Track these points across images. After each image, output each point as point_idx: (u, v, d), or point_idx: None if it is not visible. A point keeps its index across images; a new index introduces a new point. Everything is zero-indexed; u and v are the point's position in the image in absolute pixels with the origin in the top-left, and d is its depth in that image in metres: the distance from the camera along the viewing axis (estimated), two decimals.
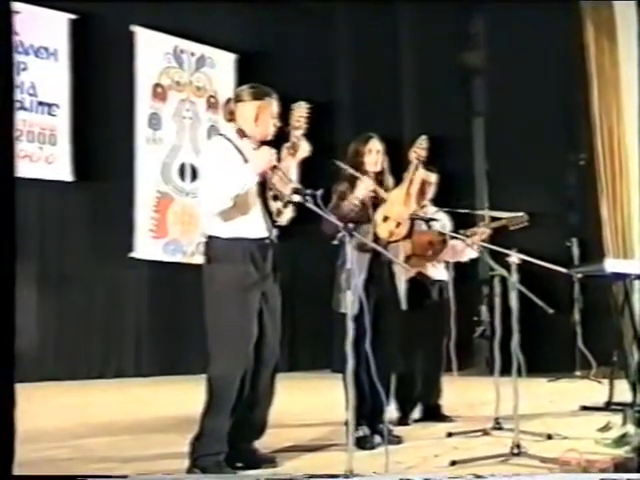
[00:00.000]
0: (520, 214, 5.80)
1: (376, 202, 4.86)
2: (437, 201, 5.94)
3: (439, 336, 5.89)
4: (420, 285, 5.66)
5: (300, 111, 4.10)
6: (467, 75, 11.15)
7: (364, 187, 4.76)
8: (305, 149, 4.13)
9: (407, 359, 5.62)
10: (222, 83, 10.52)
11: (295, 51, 10.60)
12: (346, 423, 3.96)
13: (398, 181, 4.99)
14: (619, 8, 9.34)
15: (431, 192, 5.84)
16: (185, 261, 9.98)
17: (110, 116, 9.54)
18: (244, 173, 3.96)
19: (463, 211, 6.02)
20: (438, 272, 5.87)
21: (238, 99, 4.17)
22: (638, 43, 8.83)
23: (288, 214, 4.17)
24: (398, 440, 4.78)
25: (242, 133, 4.12)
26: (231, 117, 4.18)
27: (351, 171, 4.82)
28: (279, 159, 4.08)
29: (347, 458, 3.59)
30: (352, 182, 4.84)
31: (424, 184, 5.56)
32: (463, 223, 5.97)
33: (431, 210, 5.84)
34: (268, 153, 4.00)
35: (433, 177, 5.82)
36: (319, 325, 9.27)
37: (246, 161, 4.04)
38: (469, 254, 5.84)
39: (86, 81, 9.34)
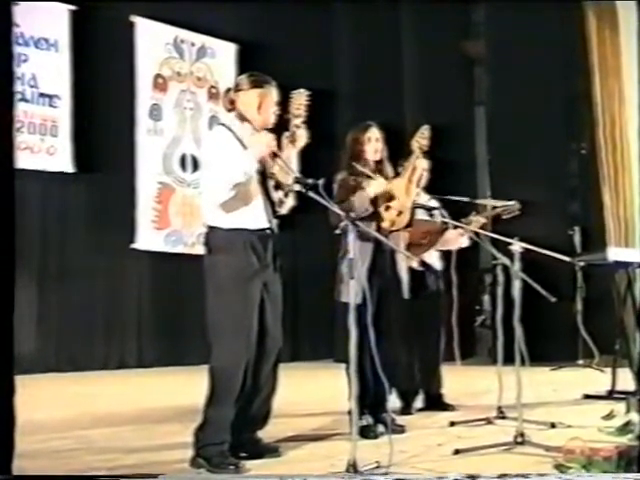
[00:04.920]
0: (511, 202, 5.78)
1: (383, 195, 4.84)
2: (440, 190, 5.92)
3: (437, 325, 5.89)
4: (418, 274, 5.65)
5: (300, 99, 4.09)
6: (469, 64, 11.13)
7: (377, 187, 4.75)
8: (305, 138, 4.12)
9: (408, 348, 5.63)
10: (223, 73, 10.49)
11: (296, 41, 10.57)
12: (349, 412, 3.96)
13: (397, 169, 4.99)
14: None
15: (424, 179, 5.81)
16: (187, 252, 9.96)
17: (111, 107, 9.53)
18: (244, 160, 3.95)
19: (455, 199, 5.98)
20: (432, 261, 5.86)
21: (238, 88, 4.16)
22: (638, 37, 8.81)
23: (289, 203, 4.17)
24: (401, 429, 4.79)
25: (242, 117, 4.11)
26: (232, 106, 4.18)
27: (364, 171, 4.80)
28: (279, 148, 4.07)
29: (350, 447, 3.60)
30: (353, 172, 4.84)
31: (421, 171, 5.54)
32: (456, 211, 5.96)
33: (424, 198, 5.82)
34: (266, 137, 4.00)
35: (425, 163, 5.79)
36: (321, 315, 9.30)
37: (245, 149, 4.03)
38: (460, 243, 5.83)
39: (87, 72, 9.32)
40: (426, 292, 5.74)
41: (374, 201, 4.79)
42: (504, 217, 5.75)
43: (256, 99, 4.10)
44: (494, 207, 5.82)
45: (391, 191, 4.83)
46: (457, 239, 5.77)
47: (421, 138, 4.90)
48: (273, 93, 4.13)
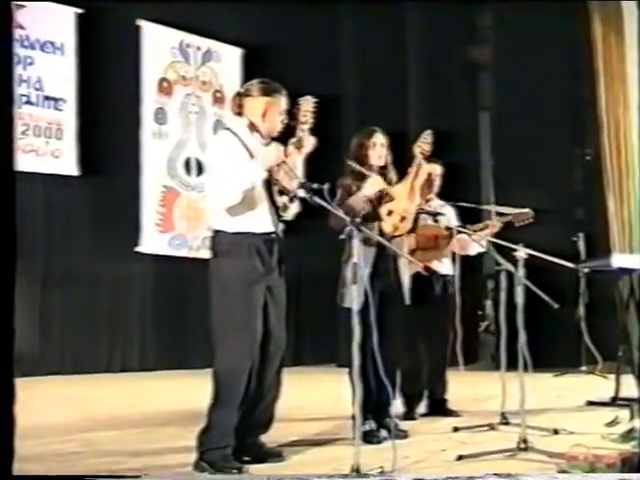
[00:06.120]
0: (526, 210, 5.78)
1: (381, 197, 4.85)
2: (442, 195, 5.93)
3: (444, 330, 5.90)
4: (425, 280, 5.65)
5: (307, 105, 4.09)
6: (474, 69, 11.13)
7: (373, 185, 4.76)
8: (311, 144, 4.12)
9: (412, 354, 5.63)
10: (228, 77, 10.50)
11: (301, 45, 10.58)
12: (353, 417, 3.96)
13: (404, 175, 4.99)
14: (626, 3, 9.32)
15: (437, 185, 5.82)
16: (191, 255, 9.98)
17: (116, 110, 9.54)
18: (252, 169, 3.96)
19: (469, 205, 6.00)
20: (444, 266, 5.86)
21: (247, 93, 4.17)
22: (638, 41, 8.82)
23: (294, 209, 4.18)
24: (404, 434, 4.79)
25: (253, 127, 4.12)
26: (239, 111, 4.18)
27: (362, 170, 4.81)
28: (286, 154, 4.07)
29: (354, 452, 3.60)
30: (356, 177, 4.84)
31: (430, 176, 5.54)
32: (469, 217, 5.96)
33: (436, 203, 5.82)
34: (276, 150, 4.01)
35: (438, 169, 5.80)
36: (324, 319, 9.30)
37: (252, 156, 4.04)
38: (477, 248, 5.83)
39: (92, 75, 9.34)
40: (431, 297, 5.73)
41: (372, 201, 4.80)
42: (517, 225, 5.74)
43: (262, 107, 4.11)
44: (506, 214, 5.81)
45: (390, 191, 4.83)
46: (473, 243, 5.76)
47: (423, 143, 4.90)
48: (281, 102, 4.13)
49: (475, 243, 5.70)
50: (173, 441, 4.76)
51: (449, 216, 5.79)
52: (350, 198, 4.75)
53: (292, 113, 4.13)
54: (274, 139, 4.17)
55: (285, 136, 4.16)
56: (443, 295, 5.85)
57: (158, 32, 10.05)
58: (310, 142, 4.11)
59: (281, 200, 4.12)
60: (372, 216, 4.79)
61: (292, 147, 4.09)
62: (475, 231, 5.60)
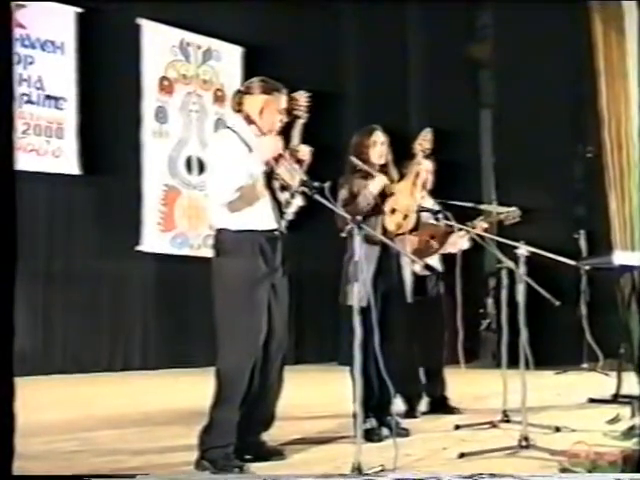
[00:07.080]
0: (512, 209, 5.78)
1: (384, 195, 4.85)
2: (443, 192, 5.91)
3: (440, 327, 5.90)
4: (422, 277, 5.65)
5: (300, 100, 4.10)
6: (475, 67, 11.13)
7: (378, 183, 4.76)
8: (307, 156, 4.12)
9: (409, 351, 5.62)
10: (229, 76, 10.49)
11: (302, 44, 10.58)
12: (354, 415, 3.95)
13: (403, 173, 4.98)
14: (627, 2, 9.32)
15: (430, 182, 5.81)
16: (192, 254, 9.98)
17: (117, 109, 9.55)
18: (250, 162, 3.95)
19: (459, 204, 5.97)
20: (437, 264, 5.87)
21: (247, 91, 4.17)
22: (638, 39, 8.81)
23: (297, 204, 4.16)
24: (406, 432, 4.78)
25: (250, 121, 4.12)
26: (239, 108, 4.18)
27: (368, 168, 4.81)
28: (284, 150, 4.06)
29: (355, 450, 3.60)
30: (359, 175, 4.84)
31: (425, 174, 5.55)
32: (460, 215, 5.95)
33: (429, 202, 5.82)
34: (274, 141, 4.00)
35: (430, 165, 5.79)
36: (326, 318, 9.31)
37: (251, 150, 4.03)
38: (461, 245, 5.84)
39: (93, 74, 9.34)
40: (430, 295, 5.74)
41: (376, 198, 4.80)
42: (506, 223, 5.76)
43: (259, 105, 4.11)
44: (498, 213, 5.82)
45: (393, 189, 4.83)
46: (457, 242, 5.78)
47: (424, 141, 4.90)
48: (280, 101, 4.13)
49: (460, 241, 5.74)
50: (174, 440, 4.75)
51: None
52: (358, 198, 4.75)
53: (287, 109, 4.14)
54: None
55: (287, 133, 4.16)
56: (438, 292, 5.87)
57: (158, 31, 10.05)
58: (306, 153, 4.11)
59: (283, 196, 4.11)
60: (376, 211, 4.79)
61: (289, 153, 4.08)
62: (464, 229, 5.60)
